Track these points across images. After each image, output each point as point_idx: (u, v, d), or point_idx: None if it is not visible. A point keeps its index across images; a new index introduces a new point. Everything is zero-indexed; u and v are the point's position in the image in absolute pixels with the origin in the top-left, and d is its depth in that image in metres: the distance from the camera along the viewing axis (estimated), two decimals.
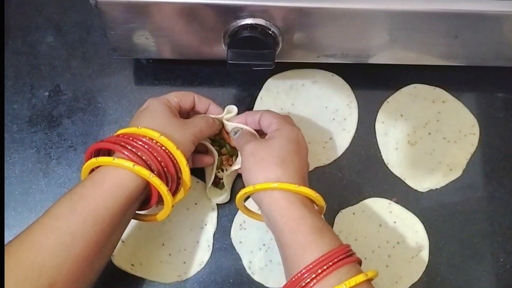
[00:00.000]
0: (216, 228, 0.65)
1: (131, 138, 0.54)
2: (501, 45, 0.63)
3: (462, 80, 0.71)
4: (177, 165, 0.55)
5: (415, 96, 0.70)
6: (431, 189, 0.68)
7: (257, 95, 0.70)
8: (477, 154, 0.69)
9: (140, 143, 0.54)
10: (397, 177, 0.68)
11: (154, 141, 0.54)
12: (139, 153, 0.53)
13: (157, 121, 0.56)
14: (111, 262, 0.63)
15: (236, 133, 0.62)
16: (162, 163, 0.54)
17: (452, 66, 0.67)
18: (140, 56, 0.68)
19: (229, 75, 0.70)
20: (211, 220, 0.65)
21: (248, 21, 0.56)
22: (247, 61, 0.59)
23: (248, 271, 0.64)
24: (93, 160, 0.54)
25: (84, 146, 0.67)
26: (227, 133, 0.64)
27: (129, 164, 0.52)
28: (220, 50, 0.61)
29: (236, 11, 0.56)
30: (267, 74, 0.70)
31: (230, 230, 0.65)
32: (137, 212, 0.57)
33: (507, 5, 0.55)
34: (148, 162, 0.53)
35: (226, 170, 0.64)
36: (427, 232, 0.66)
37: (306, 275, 0.50)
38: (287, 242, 0.53)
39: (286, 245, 0.53)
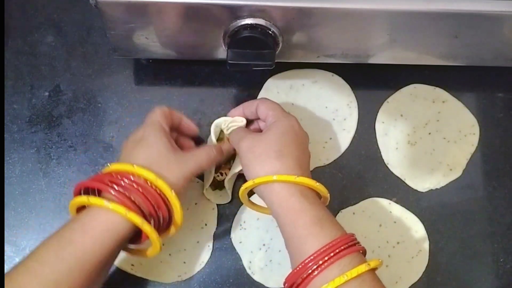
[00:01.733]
0: (216, 228, 0.65)
1: (125, 180, 0.52)
2: (501, 45, 0.62)
3: (462, 80, 0.71)
4: (170, 207, 0.54)
5: (415, 96, 0.70)
6: (431, 189, 0.68)
7: (257, 95, 0.70)
8: (477, 154, 0.69)
9: (134, 185, 0.52)
10: (397, 177, 0.68)
11: (148, 183, 0.53)
12: (131, 197, 0.52)
13: (154, 158, 0.54)
14: None
15: (229, 129, 0.62)
16: (155, 206, 0.53)
17: (452, 66, 0.67)
18: (140, 56, 0.68)
19: (229, 75, 0.70)
20: (211, 220, 0.65)
21: (248, 21, 0.56)
22: (247, 61, 0.59)
23: (248, 271, 0.64)
24: (84, 199, 0.52)
25: (84, 146, 0.67)
26: (228, 139, 0.64)
27: (122, 210, 0.50)
28: (220, 50, 0.61)
29: (236, 11, 0.56)
30: (267, 74, 0.70)
31: (230, 230, 0.65)
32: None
33: (507, 5, 0.55)
34: (140, 206, 0.52)
35: (226, 174, 0.64)
36: (427, 232, 0.66)
37: (308, 265, 0.50)
38: (289, 234, 0.53)
39: (289, 236, 0.53)
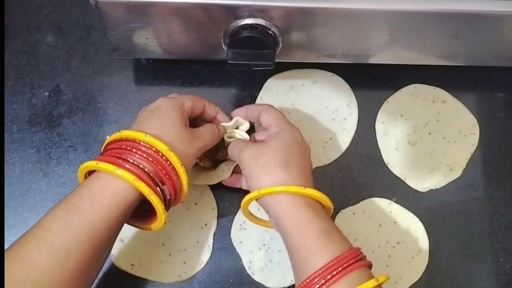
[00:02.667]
0: (216, 228, 0.65)
1: (134, 150, 0.52)
2: (501, 45, 0.63)
3: (462, 80, 0.71)
4: (178, 180, 0.54)
5: (415, 96, 0.70)
6: (431, 189, 0.68)
7: (257, 95, 0.70)
8: (477, 154, 0.69)
9: (145, 155, 0.52)
10: (397, 177, 0.68)
11: (160, 153, 0.52)
12: (141, 165, 0.51)
13: (167, 129, 0.54)
14: (111, 262, 0.63)
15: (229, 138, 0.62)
16: (167, 176, 0.52)
17: (452, 66, 0.67)
18: (140, 56, 0.68)
19: (229, 75, 0.70)
20: (211, 220, 0.65)
21: (248, 21, 0.56)
22: (247, 61, 0.59)
23: (248, 271, 0.64)
24: (94, 163, 0.52)
25: (84, 146, 0.67)
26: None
27: (130, 177, 0.50)
28: (220, 50, 0.60)
29: (236, 11, 0.56)
30: (267, 74, 0.70)
31: (230, 230, 0.65)
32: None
33: (507, 5, 0.55)
34: (151, 174, 0.52)
35: (205, 164, 0.64)
36: (427, 232, 0.66)
37: (315, 280, 0.49)
38: (295, 246, 0.52)
39: (295, 249, 0.52)
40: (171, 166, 0.53)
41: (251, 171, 0.56)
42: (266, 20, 0.56)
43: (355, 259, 0.50)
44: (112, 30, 0.59)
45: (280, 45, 0.59)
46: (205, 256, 0.64)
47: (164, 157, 0.52)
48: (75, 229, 0.49)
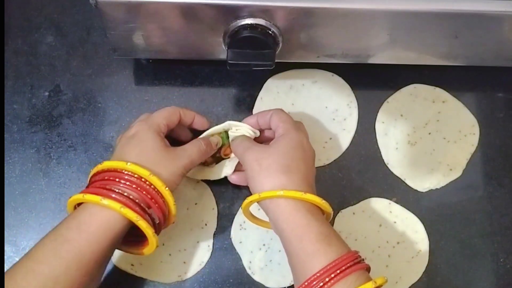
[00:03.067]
0: (216, 228, 0.65)
1: (117, 179, 0.53)
2: (501, 45, 0.63)
3: (462, 80, 0.71)
4: (165, 202, 0.55)
5: (415, 96, 0.70)
6: (431, 189, 0.68)
7: (257, 95, 0.70)
8: (477, 154, 0.69)
9: (128, 183, 0.53)
10: (397, 177, 0.68)
11: (143, 179, 0.53)
12: (125, 193, 0.52)
13: (147, 155, 0.55)
14: (111, 262, 0.63)
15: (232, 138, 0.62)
16: (152, 200, 0.53)
17: (452, 66, 0.67)
18: (140, 56, 0.68)
19: (229, 75, 0.70)
20: (211, 220, 0.65)
21: (248, 21, 0.56)
22: (247, 61, 0.59)
23: (248, 271, 0.64)
24: (80, 196, 0.53)
25: (84, 146, 0.67)
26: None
27: (117, 206, 0.51)
28: (220, 50, 0.61)
29: (236, 11, 0.56)
30: (267, 74, 0.70)
31: (230, 230, 0.65)
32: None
33: (507, 5, 0.55)
34: (137, 201, 0.52)
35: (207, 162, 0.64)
36: (427, 232, 0.66)
37: (314, 283, 0.49)
38: (294, 250, 0.53)
39: (294, 253, 0.53)
40: (156, 190, 0.53)
41: (253, 173, 0.56)
42: (266, 20, 0.56)
43: (353, 262, 0.50)
44: (112, 30, 0.59)
45: (280, 45, 0.59)
46: (205, 256, 0.64)
47: (147, 182, 0.53)
48: (63, 259, 0.50)
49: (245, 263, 0.64)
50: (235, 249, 0.65)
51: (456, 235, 0.66)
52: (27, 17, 0.71)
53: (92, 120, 0.68)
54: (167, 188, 0.54)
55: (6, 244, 0.63)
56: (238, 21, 0.56)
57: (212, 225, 0.65)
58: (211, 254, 0.65)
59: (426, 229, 0.66)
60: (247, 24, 0.56)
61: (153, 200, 0.53)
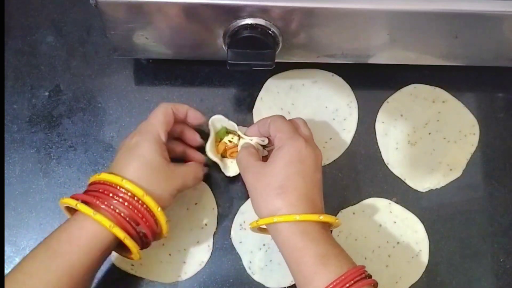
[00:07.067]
0: (216, 228, 0.65)
1: (111, 194, 0.53)
2: (501, 45, 0.63)
3: (462, 80, 0.71)
4: (157, 221, 0.55)
5: (415, 96, 0.70)
6: (431, 189, 0.68)
7: (257, 95, 0.70)
8: (477, 154, 0.69)
9: (121, 200, 0.53)
10: (397, 177, 0.68)
11: (136, 198, 0.53)
12: (117, 210, 0.53)
13: (144, 171, 0.55)
14: (111, 262, 0.63)
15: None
16: (143, 219, 0.54)
17: (452, 66, 0.67)
18: (140, 56, 0.68)
19: (229, 75, 0.70)
20: (211, 220, 0.65)
21: (248, 21, 0.56)
22: (247, 61, 0.59)
23: (248, 271, 0.64)
24: (72, 202, 0.53)
25: (84, 146, 0.67)
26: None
27: (107, 223, 0.52)
28: (220, 50, 0.61)
29: (236, 11, 0.56)
30: (267, 74, 0.70)
31: (230, 230, 0.65)
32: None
33: (507, 5, 0.55)
34: (127, 218, 0.53)
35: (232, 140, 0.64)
36: (427, 232, 0.66)
37: None
38: (293, 273, 0.53)
39: (294, 275, 0.54)
40: (148, 209, 0.54)
41: (251, 195, 0.57)
42: (266, 20, 0.56)
43: (353, 281, 0.50)
44: (112, 30, 0.59)
45: (280, 45, 0.59)
46: (205, 256, 0.64)
47: (140, 201, 0.53)
48: (54, 272, 0.50)
49: (245, 263, 0.64)
50: (235, 249, 0.65)
51: (456, 235, 0.66)
52: (27, 17, 0.71)
53: (92, 120, 0.68)
54: (159, 209, 0.54)
55: (6, 244, 0.63)
56: (238, 21, 0.56)
57: (212, 225, 0.65)
58: (211, 254, 0.65)
59: (426, 229, 0.66)
60: (247, 24, 0.56)
61: (143, 219, 0.54)
